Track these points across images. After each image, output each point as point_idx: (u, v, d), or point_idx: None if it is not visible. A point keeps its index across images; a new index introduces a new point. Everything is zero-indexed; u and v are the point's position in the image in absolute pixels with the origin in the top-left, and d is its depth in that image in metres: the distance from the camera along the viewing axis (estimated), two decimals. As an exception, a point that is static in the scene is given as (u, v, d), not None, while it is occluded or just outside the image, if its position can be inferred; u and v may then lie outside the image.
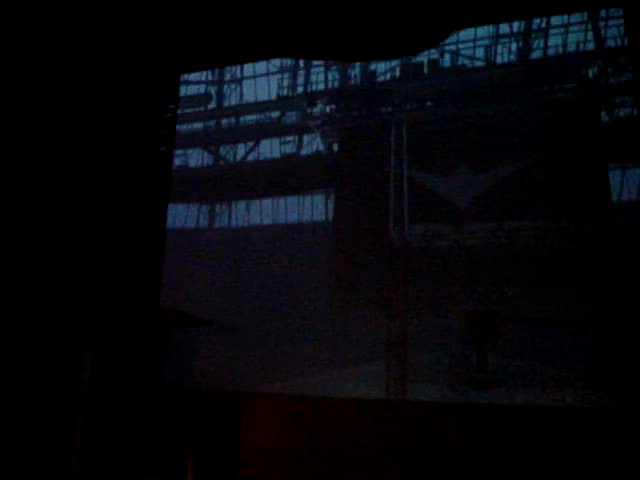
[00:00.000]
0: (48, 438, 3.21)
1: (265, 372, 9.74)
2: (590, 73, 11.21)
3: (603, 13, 11.98)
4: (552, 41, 11.64)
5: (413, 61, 11.32)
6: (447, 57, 11.33)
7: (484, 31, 12.01)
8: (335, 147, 11.74)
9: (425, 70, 11.17)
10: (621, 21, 11.80)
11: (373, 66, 11.80)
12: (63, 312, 3.36)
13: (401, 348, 9.77)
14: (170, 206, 12.79)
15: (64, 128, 3.57)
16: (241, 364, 10.05)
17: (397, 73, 11.52)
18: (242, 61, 9.57)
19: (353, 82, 11.93)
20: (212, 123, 13.19)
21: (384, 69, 11.98)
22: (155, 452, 5.42)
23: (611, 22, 11.93)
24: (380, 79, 11.73)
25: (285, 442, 6.88)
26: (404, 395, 9.45)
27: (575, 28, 11.96)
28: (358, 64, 11.89)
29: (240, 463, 6.20)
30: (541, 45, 11.75)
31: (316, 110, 11.78)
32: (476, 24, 8.00)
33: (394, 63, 11.55)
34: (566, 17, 11.87)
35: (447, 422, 6.36)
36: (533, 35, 11.78)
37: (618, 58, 11.30)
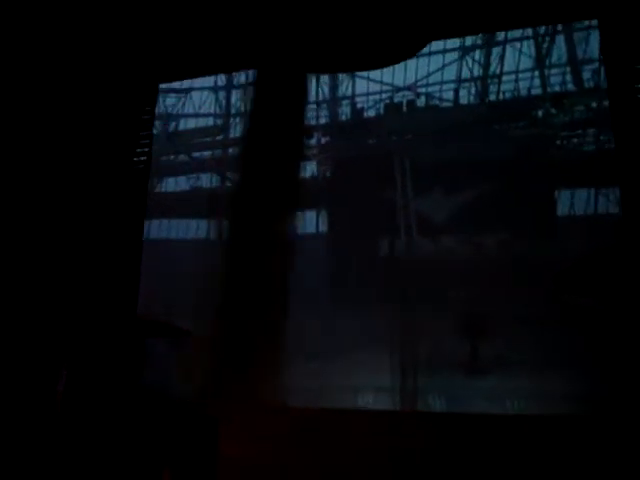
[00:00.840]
0: (24, 451, 3.09)
1: (253, 384, 9.44)
2: (540, 114, 13.41)
3: (548, 62, 14.16)
4: (505, 86, 13.83)
5: (394, 101, 13.53)
6: (422, 98, 13.55)
7: (450, 74, 14.15)
8: (328, 173, 13.86)
9: (404, 109, 13.40)
10: (565, 69, 13.94)
11: (360, 105, 13.94)
12: (38, 324, 3.22)
13: (400, 350, 10.91)
14: (182, 221, 14.36)
15: (40, 139, 3.40)
16: (226, 373, 9.83)
17: (381, 111, 13.71)
18: (220, 71, 10.60)
19: (343, 118, 14.11)
20: (219, 151, 15.00)
21: (367, 106, 14.12)
22: (131, 464, 5.20)
23: (555, 70, 14.04)
24: (366, 115, 13.92)
25: (268, 455, 6.52)
26: (405, 385, 10.67)
27: (524, 75, 14.05)
28: (346, 102, 14.01)
29: (218, 477, 6.13)
30: (496, 90, 13.91)
31: (312, 141, 13.87)
32: (448, 36, 9.33)
33: (377, 102, 13.73)
34: (517, 65, 14.06)
35: (449, 434, 6.22)
36: (489, 80, 13.94)
37: (562, 101, 13.42)
